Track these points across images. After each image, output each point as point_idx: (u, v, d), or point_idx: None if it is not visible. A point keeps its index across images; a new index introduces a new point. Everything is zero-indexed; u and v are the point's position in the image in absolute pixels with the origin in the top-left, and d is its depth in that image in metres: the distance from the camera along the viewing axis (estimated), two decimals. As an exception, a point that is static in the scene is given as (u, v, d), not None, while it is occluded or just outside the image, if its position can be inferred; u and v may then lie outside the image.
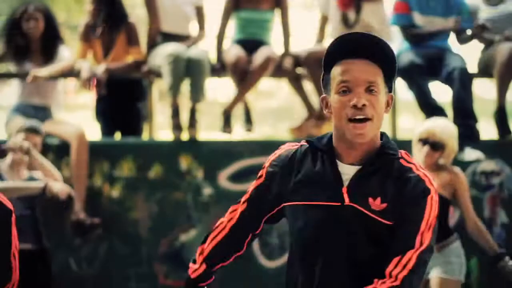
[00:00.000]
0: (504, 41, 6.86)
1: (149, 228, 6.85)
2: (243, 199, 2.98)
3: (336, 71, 2.69)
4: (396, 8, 7.13)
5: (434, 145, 5.32)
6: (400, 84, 7.14)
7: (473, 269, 6.75)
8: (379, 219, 2.67)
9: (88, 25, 7.18)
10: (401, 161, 2.73)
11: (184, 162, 6.88)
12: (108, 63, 7.04)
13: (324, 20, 7.23)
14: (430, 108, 6.86)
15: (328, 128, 7.06)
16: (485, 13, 7.09)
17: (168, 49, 6.83)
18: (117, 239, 6.83)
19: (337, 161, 2.73)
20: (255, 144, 7.04)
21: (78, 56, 7.17)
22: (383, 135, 2.78)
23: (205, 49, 7.11)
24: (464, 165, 6.80)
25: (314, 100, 7.18)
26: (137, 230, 6.85)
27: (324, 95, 2.80)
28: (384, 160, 2.70)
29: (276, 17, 7.23)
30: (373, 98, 2.65)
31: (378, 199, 2.66)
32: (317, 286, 2.74)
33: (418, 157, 5.34)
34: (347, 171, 2.71)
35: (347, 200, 2.67)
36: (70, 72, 7.15)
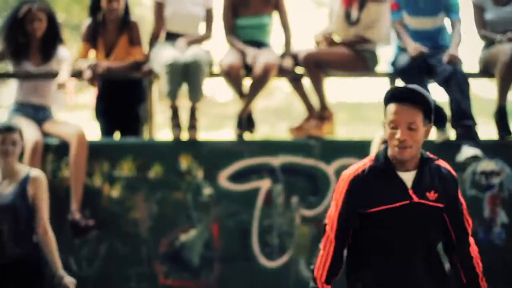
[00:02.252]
0: (506, 42, 6.85)
1: (149, 228, 6.85)
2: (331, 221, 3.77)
3: (389, 111, 3.65)
4: (391, 7, 7.14)
5: None
6: (399, 84, 7.14)
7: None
8: (436, 204, 3.68)
9: (90, 26, 7.18)
10: (431, 157, 3.75)
11: (184, 162, 6.88)
12: (110, 62, 7.05)
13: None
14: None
15: (328, 128, 7.06)
16: (491, 12, 7.08)
17: (165, 57, 6.83)
18: (117, 239, 6.83)
19: (397, 172, 3.69)
20: (255, 144, 7.04)
21: (79, 56, 7.17)
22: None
23: (205, 49, 7.11)
24: (464, 165, 6.80)
25: (314, 100, 7.17)
26: (137, 230, 6.85)
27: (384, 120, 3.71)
28: (427, 163, 3.72)
29: (275, 19, 7.23)
30: (413, 133, 3.62)
31: (432, 192, 3.68)
32: (396, 277, 3.66)
33: None
34: (406, 177, 3.68)
35: (415, 198, 3.65)
36: (70, 72, 7.14)
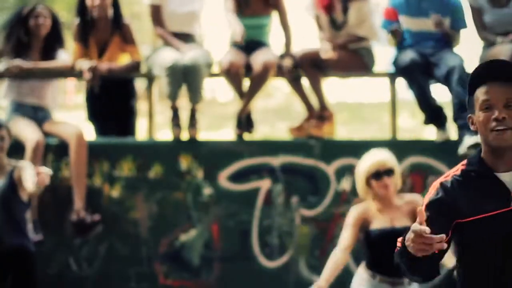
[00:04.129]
0: (507, 43, 6.84)
1: (149, 228, 6.86)
2: None
3: (479, 93, 3.16)
4: (384, 14, 7.13)
5: (389, 172, 5.30)
6: (400, 84, 7.15)
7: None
8: None
9: (80, 25, 7.15)
10: None
11: (184, 162, 6.89)
12: (109, 64, 7.04)
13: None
14: (430, 108, 6.86)
15: (328, 128, 7.06)
16: (489, 14, 7.06)
17: (165, 60, 6.84)
18: (117, 239, 6.83)
19: (495, 173, 3.17)
20: (255, 144, 7.04)
21: (75, 56, 7.15)
22: None
23: (204, 50, 7.11)
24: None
25: (314, 100, 7.18)
26: (137, 230, 6.85)
27: (470, 115, 3.25)
28: None
29: (274, 19, 7.23)
30: (511, 112, 3.12)
31: None
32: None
33: (380, 192, 5.31)
34: (506, 178, 3.16)
35: None
36: (70, 72, 7.15)
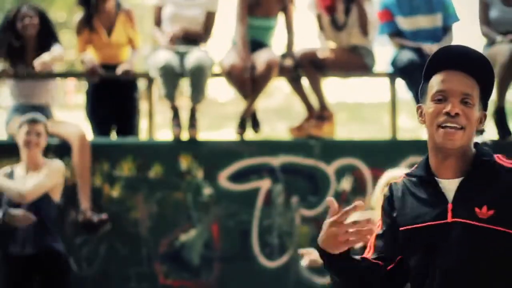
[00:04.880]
0: (507, 43, 6.83)
1: (149, 228, 6.86)
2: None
3: (435, 81, 2.74)
4: (379, 18, 7.12)
5: None
6: (400, 84, 7.15)
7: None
8: (489, 226, 2.65)
9: (82, 19, 7.17)
10: (500, 162, 2.76)
11: (184, 162, 6.89)
12: (122, 66, 7.10)
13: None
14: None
15: (328, 128, 7.06)
16: (496, 10, 7.05)
17: (159, 61, 6.85)
18: (117, 239, 6.83)
19: (437, 179, 2.76)
20: (255, 144, 7.04)
21: (79, 50, 7.20)
22: (476, 144, 2.82)
23: (206, 51, 7.11)
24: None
25: (314, 100, 7.18)
26: (137, 230, 6.85)
27: (419, 104, 2.83)
28: (483, 167, 2.73)
29: (280, 21, 7.24)
30: (467, 109, 2.69)
31: (484, 207, 2.66)
32: None
33: None
34: (449, 186, 2.73)
35: (449, 217, 2.68)
36: (70, 72, 7.15)
